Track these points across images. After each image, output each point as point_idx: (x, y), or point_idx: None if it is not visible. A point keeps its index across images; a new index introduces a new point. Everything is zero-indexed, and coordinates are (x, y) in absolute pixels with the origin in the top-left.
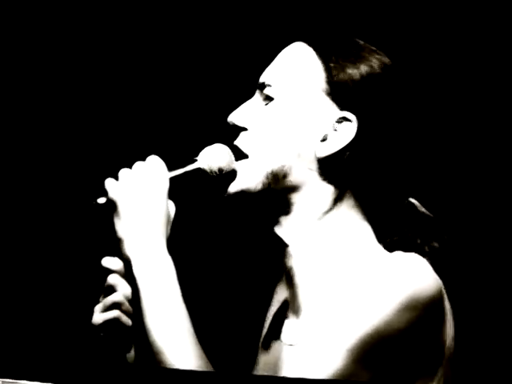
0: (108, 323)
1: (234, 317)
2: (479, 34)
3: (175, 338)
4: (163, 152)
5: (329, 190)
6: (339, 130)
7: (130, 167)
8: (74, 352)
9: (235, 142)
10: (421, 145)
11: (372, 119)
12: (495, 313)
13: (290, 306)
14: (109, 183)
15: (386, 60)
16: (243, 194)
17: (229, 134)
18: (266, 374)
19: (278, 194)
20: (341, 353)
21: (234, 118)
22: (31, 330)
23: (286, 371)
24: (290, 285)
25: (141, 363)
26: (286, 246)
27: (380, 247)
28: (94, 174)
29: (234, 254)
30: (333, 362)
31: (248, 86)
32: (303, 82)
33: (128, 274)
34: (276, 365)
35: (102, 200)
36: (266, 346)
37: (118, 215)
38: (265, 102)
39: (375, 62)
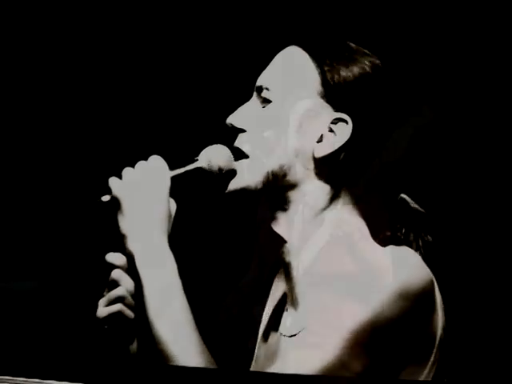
0: (112, 316)
1: (232, 311)
2: (475, 33)
3: (177, 331)
4: (165, 152)
5: (325, 188)
6: (335, 131)
7: (133, 166)
8: (78, 346)
9: (235, 144)
10: (413, 142)
11: (366, 120)
12: (485, 304)
13: (288, 299)
14: (113, 182)
15: (378, 62)
16: (243, 191)
17: (228, 136)
18: (266, 365)
19: (276, 191)
20: (337, 342)
21: (233, 119)
22: (38, 325)
23: (285, 361)
24: (288, 279)
25: (144, 358)
26: (284, 241)
27: (374, 242)
28: (98, 172)
29: (234, 249)
30: (329, 350)
31: (245, 88)
32: (299, 85)
33: (131, 269)
34: (275, 355)
35: (106, 198)
36: (266, 338)
37: (121, 212)
38: (262, 105)
39: (367, 64)
